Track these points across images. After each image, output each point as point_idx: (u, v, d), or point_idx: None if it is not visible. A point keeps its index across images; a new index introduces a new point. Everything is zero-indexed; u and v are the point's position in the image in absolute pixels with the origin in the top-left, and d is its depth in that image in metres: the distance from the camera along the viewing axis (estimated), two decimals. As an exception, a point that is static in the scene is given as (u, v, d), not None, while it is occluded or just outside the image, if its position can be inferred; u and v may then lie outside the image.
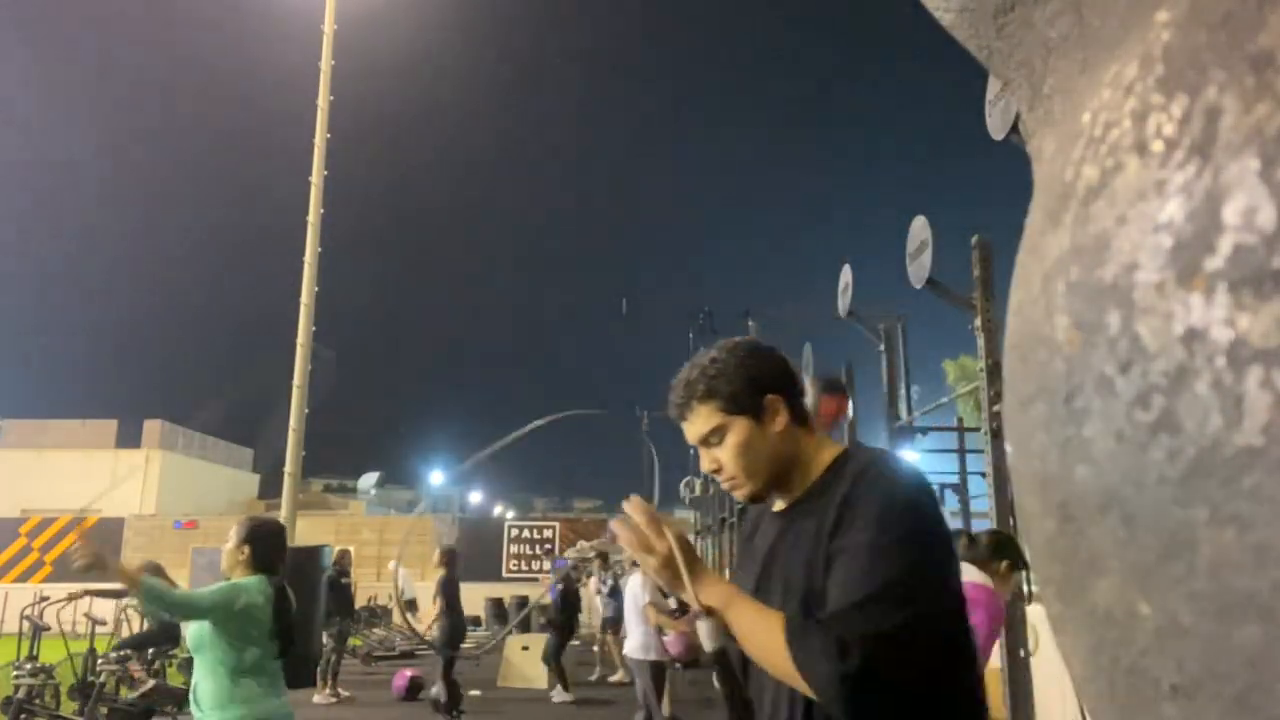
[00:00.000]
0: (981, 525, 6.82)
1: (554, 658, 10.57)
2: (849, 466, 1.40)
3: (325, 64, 14.18)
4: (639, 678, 6.92)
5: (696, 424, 1.48)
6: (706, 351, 1.53)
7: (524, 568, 21.58)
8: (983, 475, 4.89)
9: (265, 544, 3.23)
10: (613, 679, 11.54)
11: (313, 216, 13.51)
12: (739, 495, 1.48)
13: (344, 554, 10.96)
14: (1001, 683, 3.98)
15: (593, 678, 11.65)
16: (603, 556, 13.44)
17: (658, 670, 6.83)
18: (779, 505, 1.49)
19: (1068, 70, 0.39)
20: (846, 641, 1.13)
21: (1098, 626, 0.32)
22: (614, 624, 10.96)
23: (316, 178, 13.61)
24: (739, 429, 1.45)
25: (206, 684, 2.99)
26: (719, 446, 1.46)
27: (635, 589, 7.14)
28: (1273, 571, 0.25)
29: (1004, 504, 4.40)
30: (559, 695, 10.04)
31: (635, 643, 6.95)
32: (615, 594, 10.72)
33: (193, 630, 3.07)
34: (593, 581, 14.37)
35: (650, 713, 6.72)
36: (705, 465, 1.52)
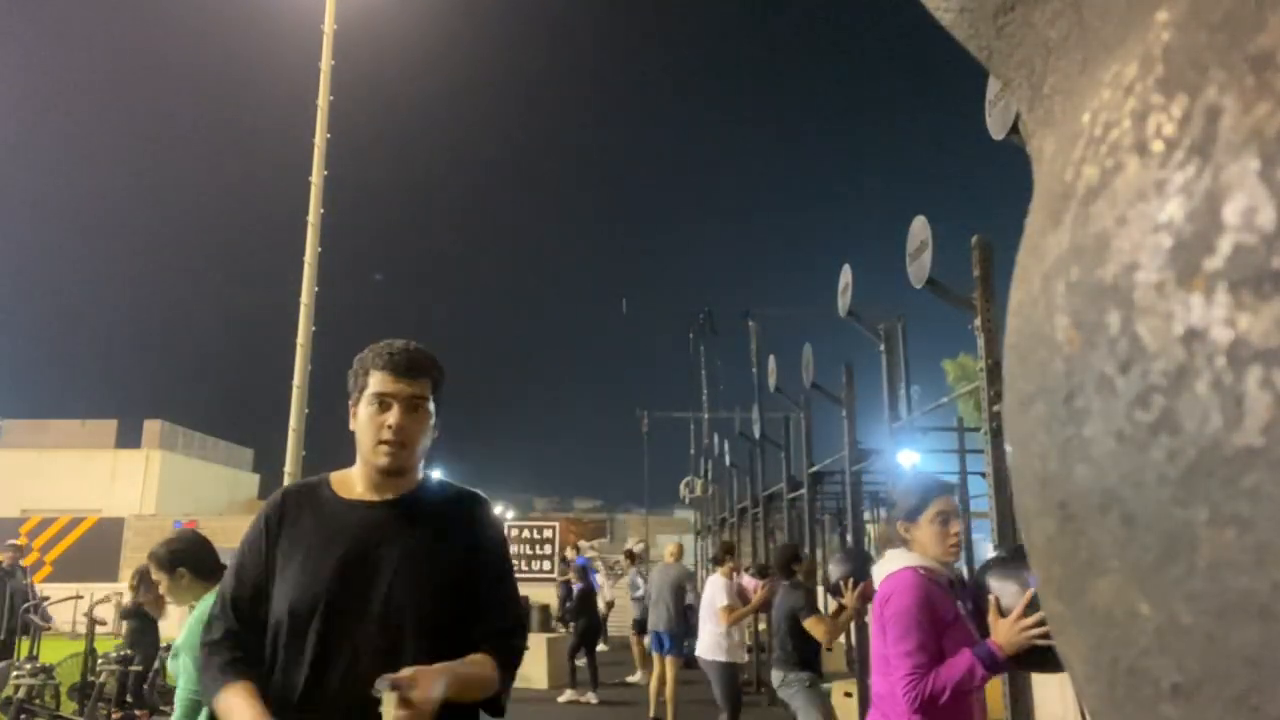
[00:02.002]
0: (982, 525, 6.82)
1: (570, 655, 10.55)
2: (440, 485, 1.88)
3: (325, 64, 14.20)
4: (712, 679, 6.82)
5: (417, 387, 1.77)
6: (407, 341, 1.84)
7: (524, 567, 21.55)
8: (983, 475, 4.89)
9: (194, 556, 3.01)
10: (630, 679, 11.44)
11: (313, 216, 13.53)
12: (393, 461, 1.75)
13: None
14: (1001, 683, 3.98)
15: (633, 679, 11.39)
16: (630, 556, 13.37)
17: (729, 671, 6.74)
18: (368, 495, 1.78)
19: (1068, 70, 0.39)
20: (519, 630, 1.84)
21: (1098, 626, 0.32)
22: (643, 625, 10.84)
23: (316, 178, 13.63)
24: (429, 412, 1.80)
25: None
26: (413, 414, 1.76)
27: (714, 589, 7.08)
28: (1273, 571, 0.25)
29: (1004, 504, 4.40)
30: (566, 695, 10.03)
31: (706, 642, 6.85)
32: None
33: (179, 663, 2.81)
34: (623, 582, 14.29)
35: (732, 713, 6.60)
36: (389, 420, 1.74)
